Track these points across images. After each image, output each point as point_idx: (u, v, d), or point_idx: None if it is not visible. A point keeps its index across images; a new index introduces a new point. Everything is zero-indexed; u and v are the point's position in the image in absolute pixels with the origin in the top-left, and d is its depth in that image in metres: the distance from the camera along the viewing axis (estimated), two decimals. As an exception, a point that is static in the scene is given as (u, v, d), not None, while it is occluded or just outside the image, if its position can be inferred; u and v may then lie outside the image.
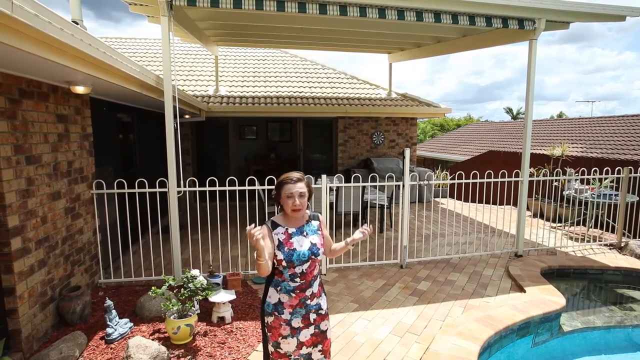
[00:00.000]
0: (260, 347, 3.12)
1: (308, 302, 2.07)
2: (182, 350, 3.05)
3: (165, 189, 4.18)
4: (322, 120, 9.97)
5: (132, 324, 3.40)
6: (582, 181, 7.18)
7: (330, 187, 5.47)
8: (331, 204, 6.00)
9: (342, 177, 5.56)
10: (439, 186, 10.27)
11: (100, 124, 4.49)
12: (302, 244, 2.04)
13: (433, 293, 4.21)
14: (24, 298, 2.91)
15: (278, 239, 2.04)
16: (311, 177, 4.97)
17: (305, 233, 2.09)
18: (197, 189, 4.39)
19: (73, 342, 2.94)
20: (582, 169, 5.98)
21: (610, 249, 5.81)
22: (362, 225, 2.34)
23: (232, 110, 8.39)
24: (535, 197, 7.95)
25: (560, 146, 7.95)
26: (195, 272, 3.47)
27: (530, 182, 6.32)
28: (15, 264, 2.82)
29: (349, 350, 3.10)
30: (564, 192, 7.00)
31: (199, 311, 3.54)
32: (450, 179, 5.31)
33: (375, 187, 7.43)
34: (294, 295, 2.04)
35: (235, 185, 4.46)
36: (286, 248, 2.02)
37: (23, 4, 1.84)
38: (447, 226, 6.87)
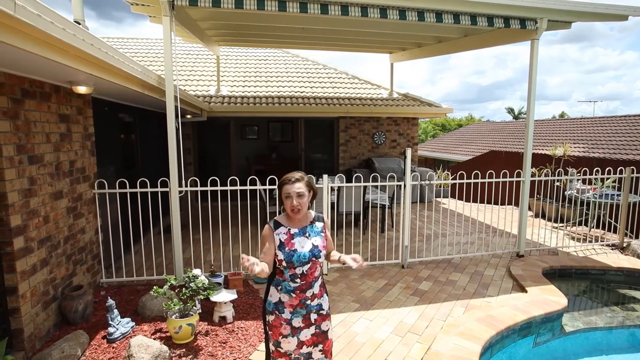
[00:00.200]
0: (261, 346, 3.12)
1: (309, 302, 2.07)
2: (184, 350, 3.06)
3: (167, 189, 4.19)
4: (324, 120, 9.97)
5: (133, 323, 3.41)
6: (584, 181, 7.16)
7: (331, 187, 5.47)
8: (332, 204, 6.00)
9: (344, 177, 5.56)
10: (440, 186, 10.27)
11: (102, 123, 4.50)
12: (303, 245, 2.04)
13: (434, 293, 4.20)
14: (26, 297, 2.92)
15: (279, 239, 2.04)
16: (312, 177, 4.97)
17: (307, 234, 2.08)
18: (199, 188, 4.40)
19: (75, 341, 2.94)
20: (584, 168, 5.96)
21: (612, 249, 5.80)
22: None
23: (233, 110, 8.40)
24: (537, 197, 7.93)
25: (562, 146, 7.93)
26: (196, 271, 3.48)
27: (532, 182, 6.30)
28: (17, 263, 2.83)
29: (350, 350, 3.11)
30: (565, 192, 6.98)
31: (200, 311, 3.55)
32: (452, 179, 5.30)
33: (376, 187, 7.43)
34: (294, 295, 2.04)
35: (236, 185, 4.47)
36: (287, 248, 2.02)
37: (26, 4, 1.85)
38: (448, 226, 6.86)
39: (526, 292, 4.15)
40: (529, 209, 7.73)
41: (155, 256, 4.72)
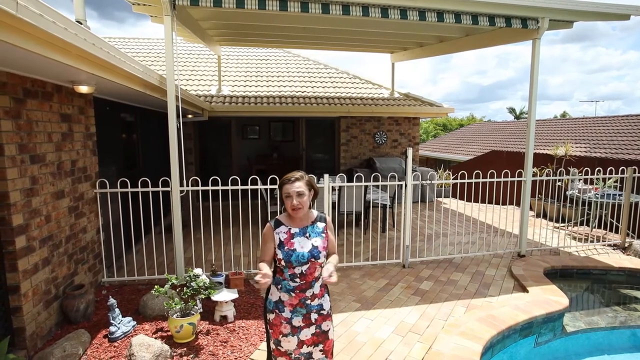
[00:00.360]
0: (262, 345, 3.12)
1: (308, 302, 2.07)
2: (185, 349, 3.07)
3: (168, 188, 4.19)
4: (325, 120, 9.97)
5: (135, 322, 3.42)
6: (585, 181, 7.14)
7: (332, 187, 5.47)
8: (333, 204, 6.00)
9: (345, 176, 5.56)
10: (441, 186, 10.26)
11: (103, 123, 4.51)
12: (303, 246, 2.03)
13: (435, 293, 4.20)
14: (28, 296, 2.93)
15: (279, 238, 2.05)
16: (313, 176, 4.97)
17: (308, 235, 2.07)
18: (200, 188, 4.40)
19: (76, 340, 2.95)
20: (586, 168, 5.95)
21: (614, 249, 5.78)
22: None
23: (234, 110, 8.40)
24: (538, 197, 7.92)
25: (563, 146, 7.92)
26: (197, 271, 3.49)
27: (534, 182, 6.29)
28: (19, 262, 2.84)
29: (351, 350, 3.11)
30: (567, 192, 6.97)
31: (201, 310, 3.56)
32: (453, 179, 5.30)
33: (377, 186, 7.43)
34: (293, 294, 2.04)
35: (237, 185, 4.47)
36: (286, 248, 2.02)
37: (28, 4, 1.85)
38: (449, 226, 6.85)
39: (527, 292, 4.14)
40: (531, 208, 7.72)
41: (156, 255, 4.73)
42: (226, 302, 3.54)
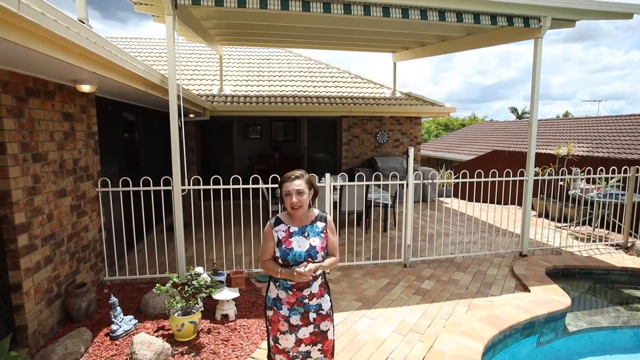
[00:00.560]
0: (263, 344, 3.13)
1: (306, 301, 2.06)
2: (186, 347, 3.07)
3: (170, 187, 4.20)
4: (326, 119, 9.97)
5: (136, 320, 3.42)
6: (588, 180, 7.11)
7: (334, 186, 5.47)
8: (335, 203, 6.00)
9: (346, 175, 5.56)
10: (443, 185, 10.24)
11: (105, 122, 4.52)
12: (300, 245, 2.03)
13: (437, 292, 4.19)
14: (30, 294, 2.94)
15: (278, 237, 2.05)
16: (315, 175, 4.97)
17: (306, 234, 2.06)
18: (201, 187, 4.41)
19: (78, 338, 2.96)
20: (588, 168, 5.93)
21: (616, 249, 5.76)
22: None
23: (236, 109, 8.41)
24: (540, 196, 7.89)
25: (566, 145, 7.89)
26: (199, 269, 3.49)
27: (536, 182, 6.27)
28: (21, 261, 2.85)
29: (352, 349, 3.10)
30: (569, 192, 6.95)
31: (202, 309, 3.56)
32: (454, 178, 5.28)
33: (379, 186, 7.43)
34: (290, 293, 2.05)
35: (239, 184, 4.47)
36: (283, 246, 2.02)
37: (29, 2, 1.86)
38: (451, 225, 6.84)
39: (529, 291, 4.13)
40: (532, 208, 7.69)
41: (158, 255, 4.74)
42: (227, 301, 3.54)
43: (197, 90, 8.99)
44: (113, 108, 4.89)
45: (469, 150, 18.12)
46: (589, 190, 6.50)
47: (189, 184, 4.32)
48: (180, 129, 4.10)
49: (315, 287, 2.08)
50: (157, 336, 3.17)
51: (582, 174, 5.87)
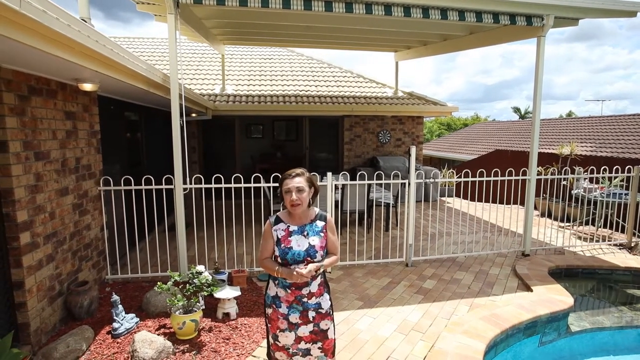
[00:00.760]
0: (264, 342, 3.12)
1: (305, 300, 2.06)
2: (187, 346, 3.07)
3: (171, 186, 4.21)
4: (328, 118, 9.97)
5: (138, 319, 3.43)
6: (591, 180, 7.08)
7: (335, 185, 5.46)
8: (337, 202, 5.99)
9: (348, 175, 5.55)
10: (445, 185, 10.21)
11: (108, 121, 4.53)
12: (300, 244, 2.02)
13: (439, 291, 4.18)
14: (32, 292, 2.95)
15: (277, 235, 2.05)
16: (316, 174, 4.96)
17: (306, 233, 2.06)
18: (203, 185, 4.42)
19: (80, 336, 2.97)
20: (591, 167, 5.89)
21: (620, 249, 5.73)
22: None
23: (238, 108, 8.42)
24: (543, 196, 7.86)
25: (569, 145, 7.85)
26: (200, 268, 3.50)
27: (538, 181, 6.24)
28: (24, 258, 2.86)
29: (353, 347, 3.10)
30: (572, 191, 6.91)
31: (204, 307, 3.56)
32: (457, 178, 5.27)
33: (381, 185, 7.41)
34: (289, 291, 2.05)
35: (240, 183, 4.47)
36: (283, 245, 2.02)
37: (31, 0, 1.86)
38: (453, 225, 6.82)
39: (532, 291, 4.11)
40: (535, 208, 7.66)
41: (160, 253, 4.75)
42: (229, 300, 3.55)
43: (199, 90, 9.01)
44: (115, 107, 4.90)
45: (471, 150, 18.08)
46: (592, 189, 6.46)
47: (190, 183, 4.33)
48: (182, 128, 4.11)
49: (314, 286, 2.07)
50: (158, 334, 3.17)
51: (585, 173, 5.83)
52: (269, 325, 2.13)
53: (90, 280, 3.73)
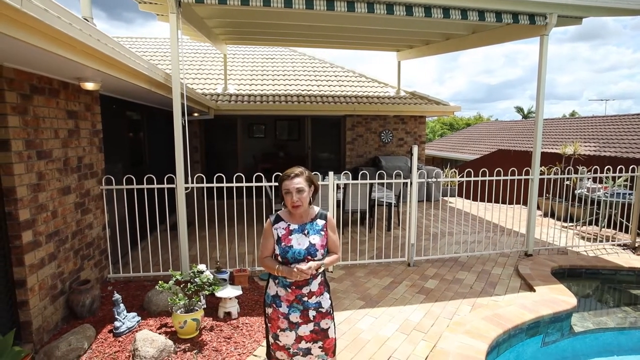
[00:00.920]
0: (265, 342, 3.12)
1: (305, 299, 2.05)
2: (189, 345, 3.07)
3: (173, 185, 4.21)
4: (330, 118, 9.96)
5: (139, 318, 3.43)
6: (594, 180, 7.04)
7: (337, 185, 5.45)
8: (339, 202, 5.98)
9: (350, 174, 5.54)
10: (447, 185, 10.18)
11: (110, 120, 4.54)
12: (300, 242, 2.01)
13: (441, 291, 4.17)
14: (34, 290, 2.96)
15: (277, 234, 2.04)
16: (318, 174, 4.96)
17: (306, 232, 2.05)
18: (205, 185, 4.42)
19: (82, 335, 2.97)
20: (595, 167, 5.86)
21: (623, 249, 5.69)
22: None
23: (240, 108, 8.43)
24: (546, 196, 7.82)
25: (572, 145, 7.81)
26: (202, 267, 3.50)
27: (541, 181, 6.21)
28: (26, 257, 2.87)
29: (355, 347, 3.09)
30: (575, 191, 6.87)
31: (205, 306, 3.57)
32: (459, 177, 5.25)
33: (383, 185, 7.40)
34: (289, 290, 2.04)
35: (242, 182, 4.47)
36: (283, 244, 2.01)
37: (32, -1, 1.86)
38: (455, 225, 6.80)
39: (534, 291, 4.09)
40: (538, 208, 7.62)
41: (161, 253, 4.76)
42: (230, 299, 3.54)
43: (202, 89, 9.02)
44: (117, 106, 4.91)
45: (474, 150, 18.02)
46: (596, 189, 6.42)
47: (192, 182, 4.33)
48: (184, 127, 4.11)
49: (314, 286, 2.06)
50: (159, 333, 3.17)
51: (589, 173, 5.80)
52: (269, 324, 2.12)
53: (92, 279, 3.74)
